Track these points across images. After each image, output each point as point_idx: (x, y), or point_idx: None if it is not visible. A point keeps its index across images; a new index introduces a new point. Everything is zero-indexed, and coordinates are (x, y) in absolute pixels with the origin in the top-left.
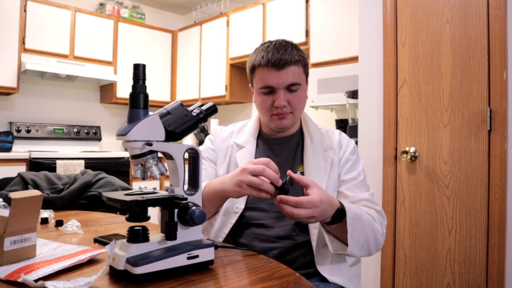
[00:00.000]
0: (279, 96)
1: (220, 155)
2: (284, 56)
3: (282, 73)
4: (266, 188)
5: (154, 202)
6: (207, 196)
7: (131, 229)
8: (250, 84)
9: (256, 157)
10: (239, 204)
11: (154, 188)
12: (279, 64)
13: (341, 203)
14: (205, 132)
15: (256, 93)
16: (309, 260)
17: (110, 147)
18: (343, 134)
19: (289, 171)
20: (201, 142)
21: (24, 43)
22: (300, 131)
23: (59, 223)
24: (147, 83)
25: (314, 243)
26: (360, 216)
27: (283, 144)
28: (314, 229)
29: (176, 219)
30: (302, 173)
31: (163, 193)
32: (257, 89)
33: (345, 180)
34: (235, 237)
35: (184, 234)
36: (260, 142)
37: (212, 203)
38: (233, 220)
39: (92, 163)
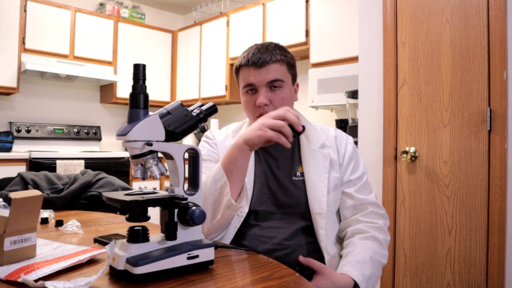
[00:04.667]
0: (260, 94)
1: (221, 156)
2: (264, 55)
3: (262, 71)
4: (287, 131)
5: (154, 202)
6: (225, 166)
7: (131, 229)
8: (239, 87)
9: (255, 159)
10: (243, 208)
11: (154, 188)
12: (258, 62)
13: (355, 282)
14: (205, 132)
15: (241, 94)
16: None
17: (110, 147)
18: (339, 130)
19: (300, 257)
20: None
21: (24, 43)
22: None
23: (59, 223)
24: (147, 83)
25: (322, 244)
26: (371, 274)
27: (279, 146)
28: (321, 230)
29: (176, 219)
30: (302, 174)
31: (163, 193)
32: (241, 90)
33: (352, 181)
34: (238, 239)
35: (184, 234)
36: None
37: (234, 167)
38: (237, 224)
39: (92, 163)
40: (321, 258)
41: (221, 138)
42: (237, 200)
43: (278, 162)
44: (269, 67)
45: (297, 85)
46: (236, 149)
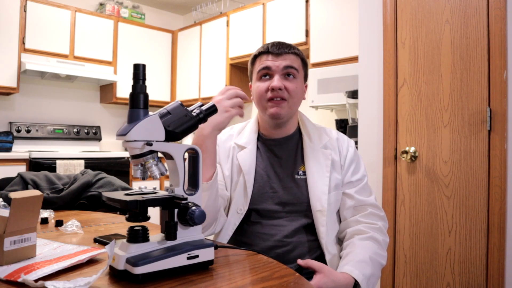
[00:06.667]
0: (275, 79)
1: (223, 156)
2: (283, 47)
3: (280, 58)
4: (242, 104)
5: (154, 202)
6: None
7: (131, 229)
8: (250, 83)
9: (257, 158)
10: (243, 206)
11: (154, 188)
12: (278, 51)
13: (355, 280)
14: None
15: (254, 81)
16: (313, 259)
17: (110, 147)
18: (340, 133)
19: (298, 260)
20: None
21: (24, 43)
22: (298, 131)
23: (59, 223)
24: (147, 83)
25: (323, 241)
26: (371, 274)
27: (282, 145)
28: (322, 227)
29: (176, 219)
30: (304, 173)
31: (163, 193)
32: (256, 76)
33: (352, 182)
34: (238, 237)
35: (184, 234)
36: (260, 144)
37: (206, 154)
38: (236, 221)
39: (92, 163)
40: (321, 256)
41: (223, 138)
42: (211, 180)
43: (281, 160)
44: (287, 56)
45: (306, 86)
46: (206, 137)
